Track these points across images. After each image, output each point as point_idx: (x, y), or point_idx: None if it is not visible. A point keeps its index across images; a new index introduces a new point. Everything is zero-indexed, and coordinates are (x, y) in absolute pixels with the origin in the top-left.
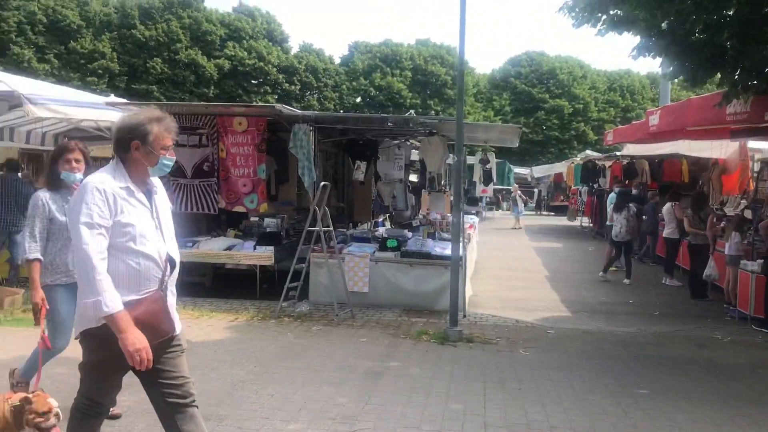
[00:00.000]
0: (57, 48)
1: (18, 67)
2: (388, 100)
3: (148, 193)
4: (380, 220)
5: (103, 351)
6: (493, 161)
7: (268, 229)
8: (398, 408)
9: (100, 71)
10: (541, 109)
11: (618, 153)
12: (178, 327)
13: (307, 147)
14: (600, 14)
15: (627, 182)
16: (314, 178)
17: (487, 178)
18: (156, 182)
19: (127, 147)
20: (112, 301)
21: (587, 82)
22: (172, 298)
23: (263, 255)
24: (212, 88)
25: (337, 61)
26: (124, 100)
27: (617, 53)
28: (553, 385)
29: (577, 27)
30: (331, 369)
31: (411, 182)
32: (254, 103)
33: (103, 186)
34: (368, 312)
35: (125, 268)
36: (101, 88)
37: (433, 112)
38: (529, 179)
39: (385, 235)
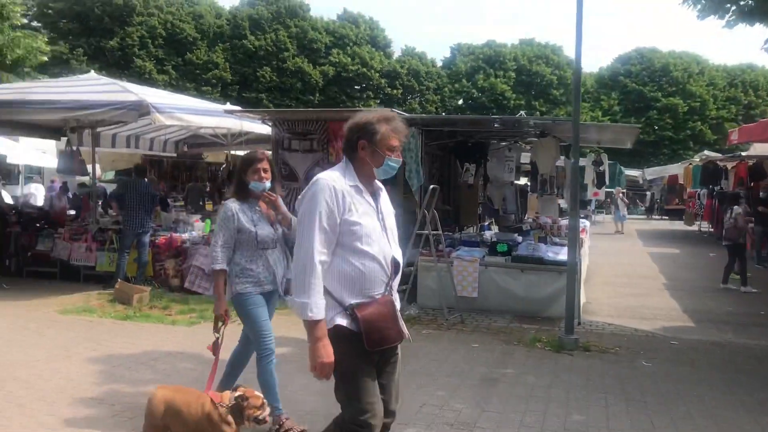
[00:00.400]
0: (175, 60)
1: (140, 78)
2: (491, 102)
3: (375, 195)
4: (486, 224)
5: (344, 353)
6: (606, 163)
7: None
8: (516, 416)
9: (213, 81)
10: (653, 109)
11: (743, 153)
12: (406, 334)
13: (415, 150)
14: (729, 5)
15: (752, 184)
16: (422, 181)
17: (599, 181)
18: (379, 184)
19: (354, 146)
20: (317, 306)
21: (704, 79)
22: (397, 304)
23: None
24: (317, 94)
25: (439, 63)
26: (240, 108)
27: (740, 46)
28: (682, 400)
29: (702, 19)
30: (444, 374)
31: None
32: (362, 108)
33: (333, 183)
34: (477, 317)
35: (350, 269)
36: (215, 96)
37: (537, 113)
38: (641, 181)
39: (494, 239)
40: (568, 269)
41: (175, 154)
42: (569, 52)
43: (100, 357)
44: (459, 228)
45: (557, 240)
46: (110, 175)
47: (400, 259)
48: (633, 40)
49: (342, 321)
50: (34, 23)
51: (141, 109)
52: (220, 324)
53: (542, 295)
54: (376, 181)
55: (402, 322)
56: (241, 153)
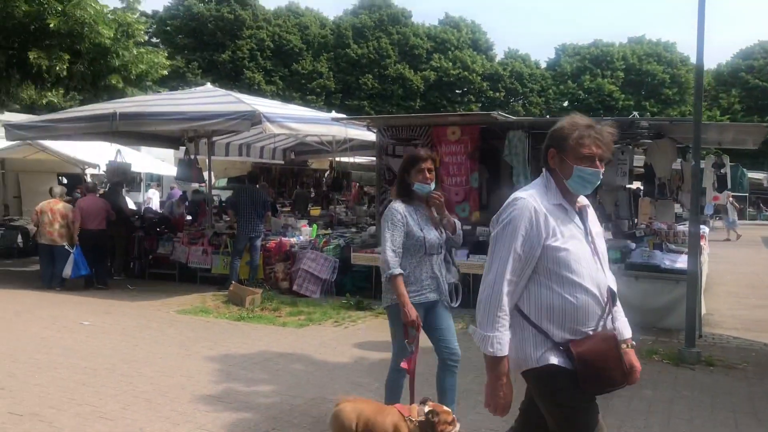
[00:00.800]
0: (282, 70)
1: (249, 89)
2: (598, 103)
3: (582, 213)
4: None
5: (563, 394)
6: (728, 165)
7: (480, 238)
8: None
9: (318, 89)
10: None
11: None
12: (633, 377)
13: (522, 154)
14: None
15: None
16: None
17: (720, 185)
18: (585, 200)
19: (545, 156)
20: (501, 342)
21: None
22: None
23: (477, 264)
24: (418, 100)
25: (543, 65)
26: (345, 116)
27: None
28: None
29: None
30: None
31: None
32: (467, 112)
33: (533, 204)
34: None
35: (558, 300)
36: (319, 105)
37: (648, 113)
38: (765, 184)
39: (607, 246)
40: (688, 278)
41: (282, 162)
42: (683, 49)
43: (217, 356)
44: None
45: (673, 247)
46: (223, 182)
47: (614, 287)
48: (757, 33)
49: (555, 359)
50: (154, 39)
51: (253, 119)
52: (412, 332)
53: (658, 305)
54: (582, 197)
55: (630, 358)
56: (345, 159)
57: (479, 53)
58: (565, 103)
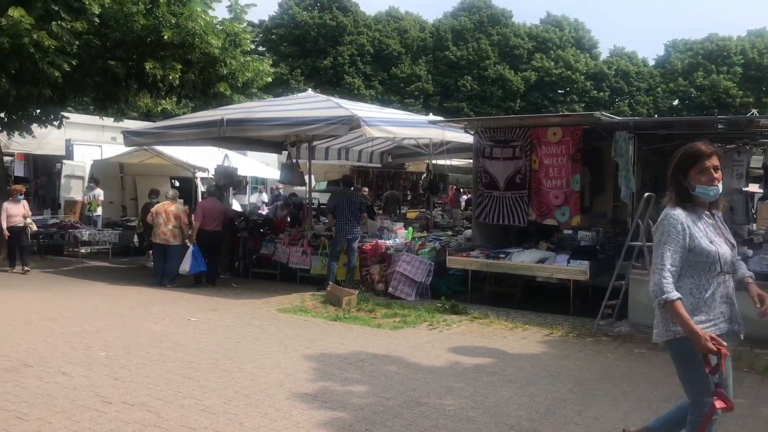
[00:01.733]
0: (381, 75)
1: (350, 93)
2: (712, 101)
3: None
4: None
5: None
6: None
7: (582, 243)
8: None
9: (416, 92)
10: None
11: None
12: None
13: (626, 156)
14: None
15: None
16: (632, 189)
17: None
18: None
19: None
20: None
21: None
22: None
23: (577, 269)
24: (518, 101)
25: (651, 62)
26: (442, 118)
27: None
28: None
29: None
30: (659, 398)
31: (746, 192)
32: (569, 113)
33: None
34: None
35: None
36: (417, 108)
37: None
38: None
39: None
40: None
41: (380, 165)
42: None
43: (313, 355)
44: None
45: None
46: (323, 185)
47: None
48: None
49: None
50: (260, 48)
51: (352, 123)
52: (714, 360)
53: None
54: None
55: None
56: (442, 162)
57: (583, 52)
58: (675, 102)
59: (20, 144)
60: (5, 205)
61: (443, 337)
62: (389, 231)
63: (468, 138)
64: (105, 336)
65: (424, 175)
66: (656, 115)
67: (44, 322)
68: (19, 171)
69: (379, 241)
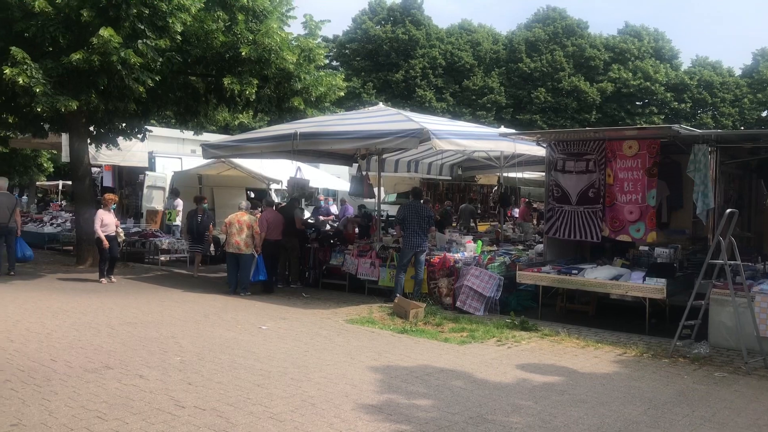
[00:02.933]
0: (452, 87)
1: (421, 106)
2: None
3: None
4: None
5: None
6: None
7: (658, 260)
8: None
9: (488, 105)
10: None
11: None
12: None
13: (704, 170)
14: None
15: None
16: (710, 205)
17: None
18: None
19: None
20: None
21: None
22: None
23: (653, 287)
24: (594, 112)
25: (738, 72)
26: (514, 131)
27: None
28: None
29: None
30: (742, 425)
31: None
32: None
33: None
34: None
35: None
36: (489, 120)
37: None
38: None
39: None
40: None
41: (450, 177)
42: None
43: (380, 366)
44: (762, 258)
45: None
46: (392, 197)
47: None
48: None
49: None
50: (334, 63)
51: (421, 136)
52: None
53: None
54: None
55: None
56: (513, 175)
57: (662, 62)
58: (764, 113)
59: (108, 156)
60: (100, 213)
61: (512, 353)
62: (458, 244)
63: (540, 151)
64: (180, 341)
65: (495, 188)
66: (742, 127)
67: (124, 327)
68: (107, 181)
69: (447, 254)
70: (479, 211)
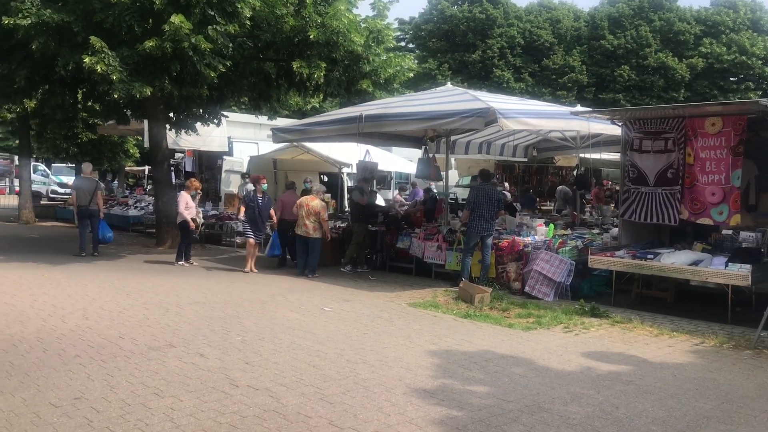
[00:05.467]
0: (531, 67)
1: (499, 87)
2: None
3: None
4: None
5: None
6: None
7: (744, 244)
8: None
9: (569, 84)
10: None
11: None
12: None
13: None
14: None
15: None
16: None
17: None
18: None
19: None
20: None
21: None
22: None
23: (737, 274)
24: (682, 90)
25: None
26: (588, 109)
27: None
28: None
29: None
30: None
31: None
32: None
33: None
34: None
35: None
36: (570, 100)
37: None
38: None
39: None
40: None
41: (525, 159)
42: None
43: (438, 351)
44: None
45: None
46: (467, 180)
47: None
48: None
49: None
50: (410, 45)
51: (488, 116)
52: None
53: None
54: None
55: None
56: (592, 156)
57: (760, 34)
58: None
59: (189, 141)
60: (185, 195)
61: (578, 340)
62: (528, 228)
63: (617, 130)
64: (243, 321)
65: (575, 169)
66: None
67: (192, 306)
68: (188, 166)
69: (516, 237)
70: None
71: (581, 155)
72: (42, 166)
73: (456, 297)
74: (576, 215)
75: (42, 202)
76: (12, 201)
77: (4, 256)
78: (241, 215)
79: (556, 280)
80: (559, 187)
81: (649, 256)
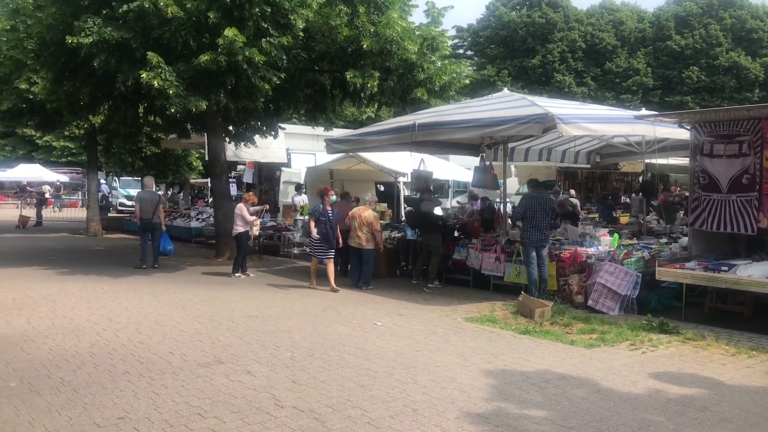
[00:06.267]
0: (593, 71)
1: (560, 92)
2: None
3: None
4: None
5: None
6: None
7: None
8: None
9: (634, 87)
10: None
11: None
12: None
13: None
14: None
15: None
16: None
17: None
18: None
19: None
20: None
21: None
22: None
23: None
24: (757, 90)
25: None
26: (653, 113)
27: None
28: None
29: None
30: None
31: None
32: None
33: None
34: None
35: None
36: (634, 103)
37: None
38: None
39: None
40: None
41: (588, 165)
42: None
43: (493, 370)
44: None
45: None
46: (526, 188)
47: None
48: None
49: None
50: (468, 52)
51: (546, 122)
52: None
53: None
54: None
55: None
56: (656, 161)
57: None
58: None
59: (249, 153)
60: (242, 208)
61: (646, 359)
62: (591, 238)
63: (685, 134)
64: (294, 336)
65: (641, 176)
66: None
67: (244, 320)
68: (248, 178)
69: (579, 248)
70: (621, 202)
71: (647, 161)
72: (114, 182)
73: (515, 311)
74: (642, 224)
75: (109, 215)
76: (83, 213)
77: (68, 268)
78: (314, 234)
79: (622, 293)
80: (633, 195)
81: (723, 268)
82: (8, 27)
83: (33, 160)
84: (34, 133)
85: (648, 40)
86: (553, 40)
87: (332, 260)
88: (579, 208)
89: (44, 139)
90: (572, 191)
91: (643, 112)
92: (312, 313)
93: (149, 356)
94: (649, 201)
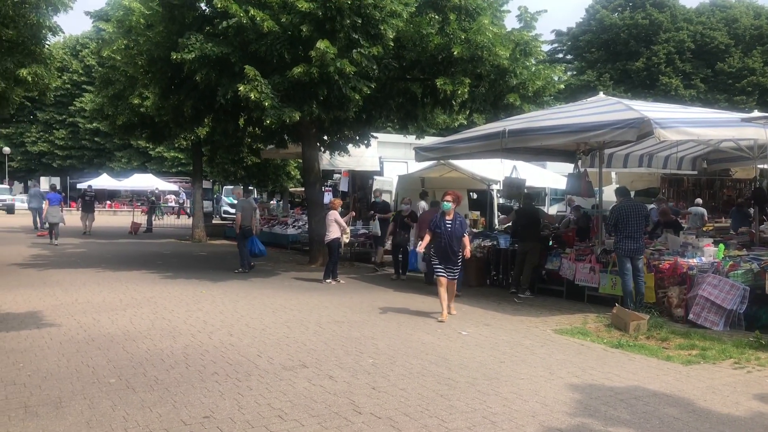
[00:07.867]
0: (703, 72)
1: (666, 95)
2: None
3: None
4: None
5: None
6: None
7: None
8: None
9: (749, 88)
10: None
11: None
12: None
13: None
14: None
15: None
16: None
17: None
18: None
19: None
20: None
21: None
22: None
23: None
24: None
25: None
26: (763, 114)
27: None
28: None
29: None
30: None
31: None
32: None
33: None
34: None
35: None
36: (750, 106)
37: None
38: None
39: None
40: None
41: (695, 172)
42: None
43: (580, 385)
44: None
45: None
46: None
47: None
48: None
49: None
50: (568, 56)
51: (641, 127)
52: None
53: None
54: None
55: None
56: None
57: None
58: None
59: (343, 162)
60: (334, 214)
61: (750, 379)
62: (694, 248)
63: None
64: (377, 343)
65: (755, 183)
66: None
67: (331, 326)
68: (343, 186)
69: (679, 259)
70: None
71: (760, 166)
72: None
73: (608, 324)
74: (754, 233)
75: (213, 222)
76: (188, 221)
77: (172, 272)
78: (421, 248)
79: (727, 308)
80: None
81: None
82: (122, 46)
83: (146, 170)
84: (147, 145)
85: (765, 37)
86: (658, 42)
87: (446, 280)
88: (705, 218)
89: (156, 150)
90: (699, 200)
91: (754, 114)
92: (397, 321)
93: (238, 358)
94: (763, 209)
